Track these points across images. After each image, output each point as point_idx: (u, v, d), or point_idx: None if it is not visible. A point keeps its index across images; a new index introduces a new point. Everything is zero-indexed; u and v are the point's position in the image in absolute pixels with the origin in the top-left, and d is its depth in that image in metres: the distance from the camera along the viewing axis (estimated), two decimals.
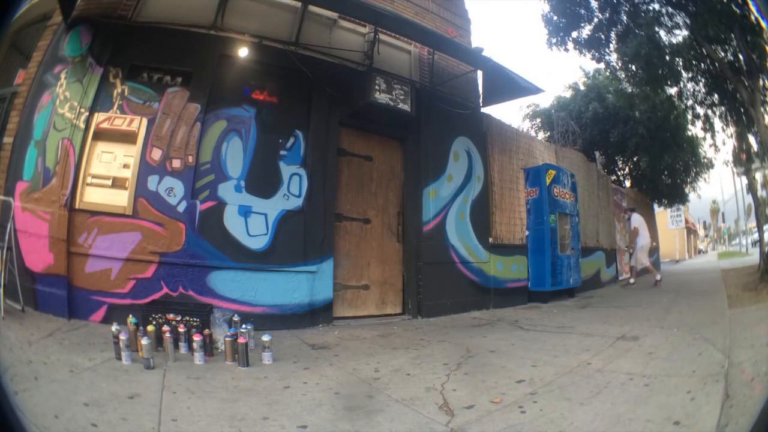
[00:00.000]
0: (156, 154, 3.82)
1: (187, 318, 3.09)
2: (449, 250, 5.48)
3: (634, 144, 11.62)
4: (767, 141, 6.88)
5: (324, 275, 4.38)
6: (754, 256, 9.33)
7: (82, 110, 3.71)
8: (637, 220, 8.31)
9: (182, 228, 3.79)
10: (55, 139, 3.70)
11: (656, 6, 7.36)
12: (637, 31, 7.25)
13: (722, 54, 6.95)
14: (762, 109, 6.63)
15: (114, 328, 2.76)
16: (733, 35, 6.31)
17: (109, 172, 3.74)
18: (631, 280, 8.57)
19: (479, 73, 6.02)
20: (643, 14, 7.29)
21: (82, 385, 2.20)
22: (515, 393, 2.23)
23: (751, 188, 8.95)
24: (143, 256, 3.66)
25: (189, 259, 3.77)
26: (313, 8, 4.66)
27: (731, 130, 8.59)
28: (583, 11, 8.07)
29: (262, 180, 4.21)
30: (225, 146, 4.11)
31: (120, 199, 3.70)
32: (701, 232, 31.19)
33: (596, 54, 8.51)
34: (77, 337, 3.07)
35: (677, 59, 7.52)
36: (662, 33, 7.34)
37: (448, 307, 5.21)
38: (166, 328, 2.90)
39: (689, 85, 8.47)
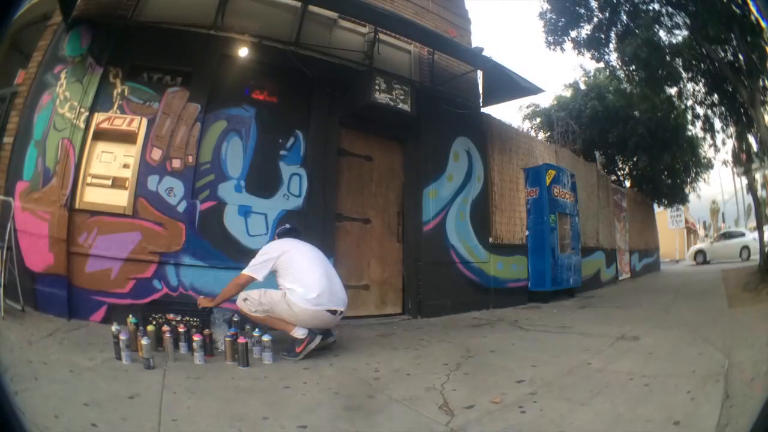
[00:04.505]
0: (156, 154, 3.82)
1: (187, 318, 3.08)
2: (449, 250, 5.48)
3: (633, 144, 11.61)
4: (767, 141, 6.89)
5: None
6: (753, 256, 9.34)
7: (82, 110, 3.71)
8: None
9: (182, 228, 3.79)
10: (55, 139, 3.70)
11: (656, 6, 7.36)
12: (636, 32, 7.25)
13: (722, 54, 6.95)
14: (762, 109, 6.63)
15: (114, 328, 2.75)
16: (733, 35, 6.31)
17: (109, 172, 3.73)
18: None
19: (479, 73, 6.02)
20: (642, 15, 7.29)
21: (82, 385, 2.20)
22: (515, 393, 2.23)
23: (751, 188, 8.96)
24: (143, 256, 3.66)
25: (189, 259, 3.77)
26: (313, 8, 4.66)
27: (731, 130, 8.59)
28: (582, 11, 8.07)
29: (262, 180, 4.21)
30: (225, 146, 4.11)
31: (120, 199, 3.69)
32: (701, 232, 31.17)
33: (596, 54, 8.51)
34: (77, 337, 3.07)
35: (677, 59, 7.52)
36: (662, 33, 7.35)
37: (448, 307, 5.20)
38: (166, 328, 2.90)
39: (689, 86, 8.48)
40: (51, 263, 3.49)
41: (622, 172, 13.64)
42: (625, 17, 7.77)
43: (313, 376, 2.59)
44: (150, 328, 2.92)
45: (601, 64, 9.24)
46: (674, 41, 7.50)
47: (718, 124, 8.78)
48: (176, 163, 3.86)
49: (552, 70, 16.72)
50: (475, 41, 6.71)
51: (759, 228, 8.57)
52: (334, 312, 3.08)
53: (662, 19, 7.28)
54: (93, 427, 1.73)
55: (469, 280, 5.66)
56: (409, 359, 3.01)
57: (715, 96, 8.09)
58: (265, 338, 2.89)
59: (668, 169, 12.50)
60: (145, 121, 3.83)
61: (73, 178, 3.61)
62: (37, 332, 3.02)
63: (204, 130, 4.01)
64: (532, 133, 11.47)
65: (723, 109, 8.21)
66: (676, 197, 14.11)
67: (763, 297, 4.91)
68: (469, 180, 5.85)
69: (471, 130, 6.00)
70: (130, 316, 2.99)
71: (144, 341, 2.60)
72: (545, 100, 13.33)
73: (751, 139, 8.14)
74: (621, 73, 9.06)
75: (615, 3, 7.71)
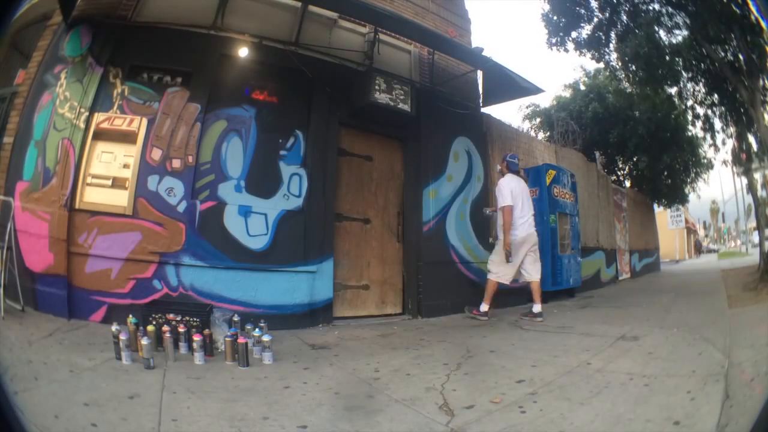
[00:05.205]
0: (156, 154, 3.82)
1: (187, 318, 3.09)
2: (449, 250, 5.48)
3: (633, 144, 11.61)
4: (767, 141, 6.89)
5: (324, 275, 4.38)
6: (754, 256, 9.34)
7: (82, 110, 3.71)
8: None
9: (182, 228, 3.79)
10: (55, 139, 3.70)
11: (656, 6, 7.36)
12: (637, 31, 7.25)
13: (722, 54, 6.95)
14: (762, 109, 6.63)
15: (114, 328, 2.76)
16: (733, 35, 6.31)
17: (109, 172, 3.73)
18: None
19: (479, 73, 6.02)
20: (643, 14, 7.29)
21: (82, 385, 2.20)
22: (515, 393, 2.23)
23: (751, 188, 8.96)
24: (143, 256, 3.66)
25: (189, 259, 3.77)
26: (313, 8, 4.66)
27: (731, 130, 8.60)
28: (583, 11, 8.07)
29: (262, 180, 4.21)
30: (225, 146, 4.11)
31: (120, 199, 3.69)
32: (701, 232, 31.20)
33: (596, 54, 8.51)
34: (77, 337, 3.07)
35: (677, 59, 7.52)
36: (662, 33, 7.35)
37: (448, 307, 5.20)
38: (166, 328, 2.91)
39: (689, 85, 8.48)
40: (51, 263, 3.49)
41: (622, 172, 13.64)
42: (625, 17, 7.78)
43: (313, 376, 2.59)
44: (150, 328, 2.92)
45: (602, 65, 9.25)
46: (674, 41, 7.51)
47: (718, 124, 8.79)
48: (176, 163, 3.86)
49: (552, 71, 16.69)
50: (475, 41, 6.72)
51: (759, 228, 8.58)
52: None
53: (662, 19, 7.28)
54: (93, 427, 1.73)
55: (469, 280, 5.66)
56: (409, 359, 3.01)
57: (715, 96, 8.09)
58: (265, 338, 2.90)
59: (668, 170, 12.50)
60: (145, 121, 3.83)
61: (73, 178, 3.61)
62: (37, 332, 3.02)
63: (204, 130, 4.01)
64: (532, 134, 11.47)
65: (723, 109, 8.21)
66: (676, 197, 14.11)
67: (763, 297, 4.91)
68: (469, 180, 5.85)
69: (471, 130, 6.00)
70: (130, 316, 2.99)
71: (144, 341, 2.60)
72: (545, 101, 13.35)
73: (751, 139, 8.15)
74: (621, 74, 9.06)
75: (615, 3, 7.71)
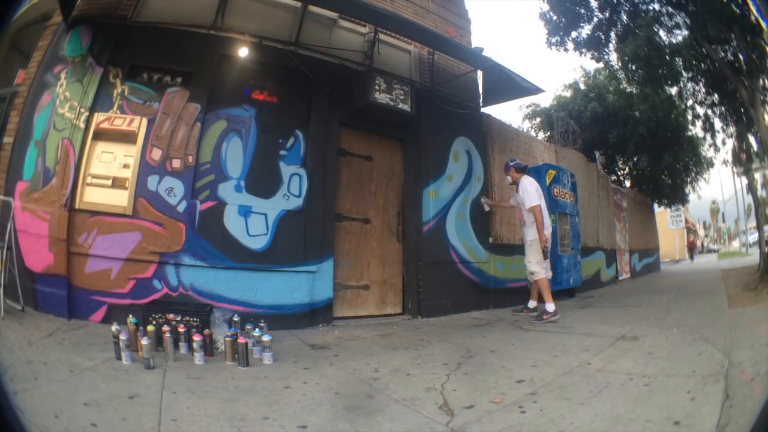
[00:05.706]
0: (156, 154, 3.82)
1: (187, 318, 3.09)
2: (449, 250, 5.48)
3: (633, 144, 11.61)
4: (767, 141, 6.89)
5: (324, 275, 4.38)
6: (754, 256, 9.34)
7: (82, 110, 3.71)
8: None
9: (182, 228, 3.79)
10: (55, 139, 3.70)
11: (656, 6, 7.36)
12: (637, 32, 7.25)
13: (722, 54, 6.95)
14: (762, 109, 6.64)
15: (114, 328, 2.76)
16: (733, 35, 6.32)
17: (109, 172, 3.73)
18: None
19: (479, 73, 6.02)
20: (643, 15, 7.29)
21: (82, 385, 2.20)
22: (515, 393, 2.23)
23: (751, 188, 8.96)
24: (143, 256, 3.66)
25: (189, 259, 3.77)
26: (313, 8, 4.66)
27: (731, 130, 8.60)
28: (582, 11, 8.07)
29: (262, 180, 4.21)
30: (225, 146, 4.11)
31: (120, 199, 3.69)
32: (701, 232, 31.19)
33: (596, 54, 8.51)
34: (77, 337, 3.07)
35: (677, 59, 7.53)
36: (662, 33, 7.35)
37: (448, 307, 5.21)
38: (166, 328, 2.90)
39: (689, 85, 8.48)
40: (51, 263, 3.49)
41: (622, 172, 13.64)
42: (625, 17, 7.78)
43: (313, 376, 2.59)
44: (150, 328, 2.92)
45: (601, 64, 9.25)
46: (674, 41, 7.51)
47: (718, 124, 8.81)
48: (176, 163, 3.86)
49: (552, 70, 16.70)
50: (475, 41, 6.72)
51: (759, 228, 8.58)
52: None
53: (662, 19, 7.28)
54: (93, 427, 1.73)
55: (469, 280, 5.66)
56: (409, 359, 3.01)
57: (715, 96, 8.10)
58: (265, 338, 2.90)
59: (668, 169, 12.50)
60: (145, 121, 3.83)
61: (73, 178, 3.61)
62: (37, 332, 3.02)
63: (204, 130, 4.01)
64: (532, 133, 11.46)
65: (723, 109, 8.22)
66: (676, 197, 14.12)
67: (763, 297, 4.91)
68: (469, 180, 5.85)
69: (471, 130, 6.00)
70: (130, 316, 2.99)
71: (144, 341, 2.60)
72: (545, 100, 13.34)
73: (751, 139, 8.16)
74: (621, 74, 9.06)
75: (615, 3, 7.71)
